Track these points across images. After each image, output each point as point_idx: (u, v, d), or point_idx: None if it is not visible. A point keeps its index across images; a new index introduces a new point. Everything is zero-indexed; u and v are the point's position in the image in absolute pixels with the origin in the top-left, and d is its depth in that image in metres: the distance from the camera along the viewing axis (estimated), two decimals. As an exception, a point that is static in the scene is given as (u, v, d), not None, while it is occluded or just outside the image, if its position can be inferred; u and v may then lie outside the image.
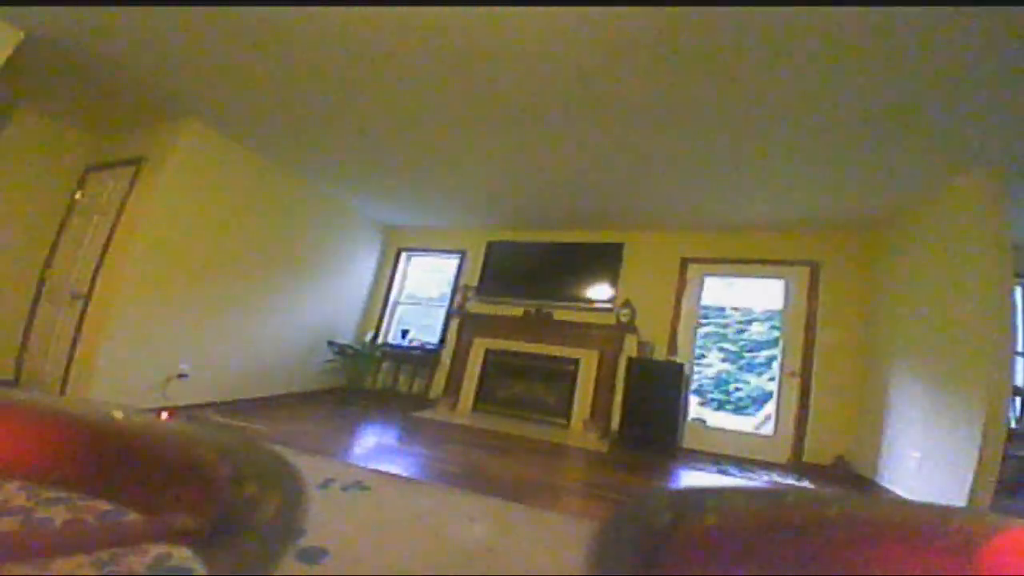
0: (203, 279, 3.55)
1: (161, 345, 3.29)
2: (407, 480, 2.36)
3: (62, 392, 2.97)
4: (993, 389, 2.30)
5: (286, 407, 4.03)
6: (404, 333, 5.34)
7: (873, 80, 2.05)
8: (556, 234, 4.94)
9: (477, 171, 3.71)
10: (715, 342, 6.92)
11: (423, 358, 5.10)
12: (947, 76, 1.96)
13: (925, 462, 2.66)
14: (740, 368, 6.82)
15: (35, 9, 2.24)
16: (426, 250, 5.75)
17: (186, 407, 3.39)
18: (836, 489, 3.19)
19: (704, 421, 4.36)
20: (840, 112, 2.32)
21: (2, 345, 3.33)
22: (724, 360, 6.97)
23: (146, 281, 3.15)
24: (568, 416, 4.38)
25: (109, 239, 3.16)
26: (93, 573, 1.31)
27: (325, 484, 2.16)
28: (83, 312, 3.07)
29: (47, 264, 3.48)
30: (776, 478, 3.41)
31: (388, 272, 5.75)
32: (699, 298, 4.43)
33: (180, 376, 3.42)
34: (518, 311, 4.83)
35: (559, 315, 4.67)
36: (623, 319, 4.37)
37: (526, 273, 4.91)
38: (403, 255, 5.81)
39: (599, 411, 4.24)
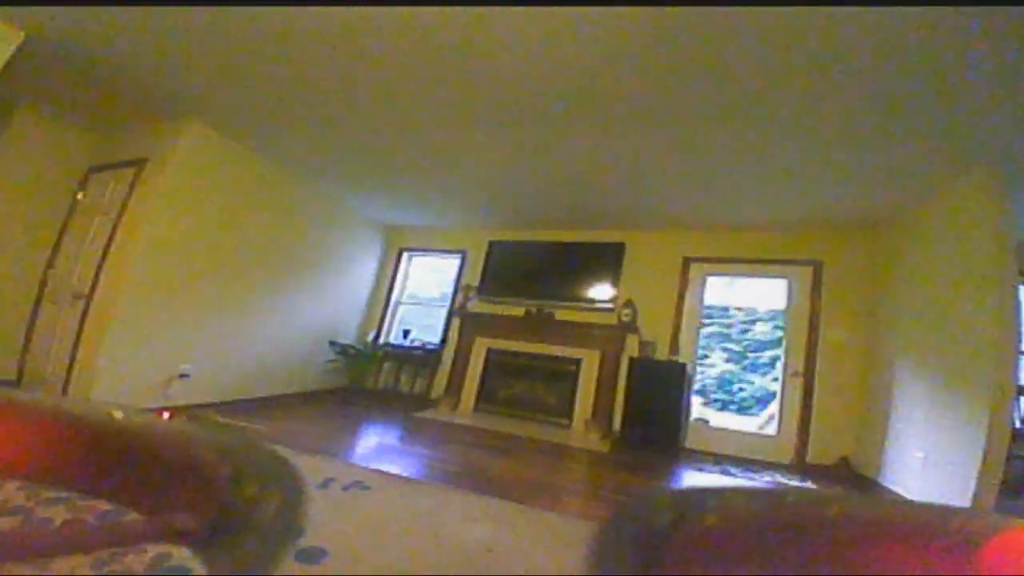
0: (205, 279, 3.56)
1: (162, 345, 3.29)
2: (408, 480, 2.36)
3: (64, 392, 2.98)
4: (997, 389, 2.28)
5: (288, 407, 4.03)
6: (406, 333, 5.34)
7: (874, 79, 2.04)
8: (557, 234, 4.94)
9: (478, 171, 3.70)
10: (718, 342, 6.90)
11: (424, 358, 5.10)
12: (948, 75, 1.95)
13: (929, 463, 2.64)
14: (744, 368, 6.80)
15: (36, 10, 2.25)
16: (427, 250, 5.75)
17: (187, 407, 3.40)
18: (838, 489, 3.17)
19: (707, 421, 4.35)
20: (841, 111, 2.30)
21: (5, 345, 3.34)
22: (728, 360, 6.94)
23: (147, 281, 3.16)
24: (570, 416, 4.37)
25: (111, 239, 3.17)
26: (92, 573, 1.32)
27: (325, 484, 2.15)
28: (85, 312, 3.07)
29: (49, 264, 3.49)
30: (779, 479, 3.39)
31: (389, 272, 5.75)
32: (701, 298, 4.42)
33: (181, 376, 3.42)
34: (519, 311, 4.82)
35: (560, 315, 4.66)
36: (625, 319, 4.36)
37: (527, 273, 4.90)
38: (404, 255, 5.81)
39: (601, 411, 4.23)
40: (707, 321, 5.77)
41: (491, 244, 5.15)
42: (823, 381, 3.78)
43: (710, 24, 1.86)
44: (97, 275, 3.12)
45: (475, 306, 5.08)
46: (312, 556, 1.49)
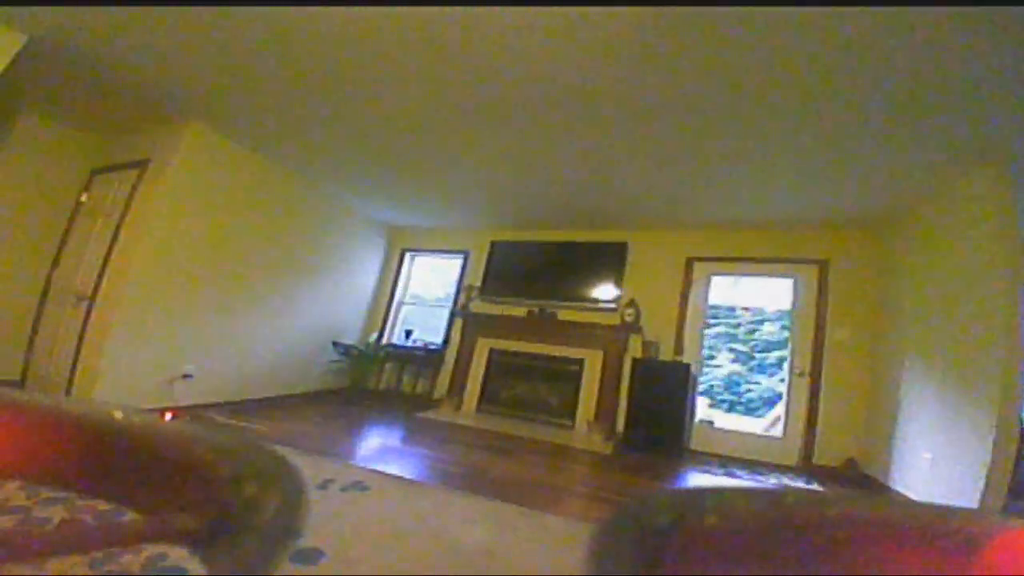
0: (207, 280, 3.57)
1: (165, 346, 3.30)
2: (408, 481, 2.34)
3: (67, 392, 3.00)
4: (1006, 389, 2.24)
5: (290, 407, 4.03)
6: (408, 333, 5.34)
7: (878, 77, 2.01)
8: (559, 233, 4.91)
9: (479, 170, 3.69)
10: (725, 343, 6.84)
11: (427, 358, 5.10)
12: (953, 72, 1.92)
13: (936, 464, 2.60)
14: (751, 369, 6.74)
15: (38, 13, 2.26)
16: (430, 250, 5.75)
17: (190, 407, 3.41)
18: (841, 491, 3.12)
19: (711, 423, 4.30)
20: (846, 109, 2.27)
21: (9, 346, 3.36)
22: (734, 361, 6.89)
23: (150, 282, 3.17)
24: (572, 417, 4.34)
25: (114, 241, 3.18)
26: (88, 572, 1.31)
27: (324, 484, 2.14)
28: (88, 313, 3.09)
29: (53, 266, 3.52)
30: (785, 481, 3.34)
31: (392, 272, 5.75)
32: (706, 298, 4.37)
33: (184, 376, 3.43)
34: (522, 311, 4.80)
35: (563, 315, 4.63)
36: (628, 319, 4.32)
37: (530, 273, 4.87)
38: (407, 255, 5.81)
39: (604, 412, 4.20)
40: (713, 321, 5.72)
41: (493, 244, 5.14)
42: (829, 381, 3.73)
43: (711, 23, 1.84)
44: (100, 276, 3.14)
45: (477, 306, 5.06)
46: (308, 557, 1.48)
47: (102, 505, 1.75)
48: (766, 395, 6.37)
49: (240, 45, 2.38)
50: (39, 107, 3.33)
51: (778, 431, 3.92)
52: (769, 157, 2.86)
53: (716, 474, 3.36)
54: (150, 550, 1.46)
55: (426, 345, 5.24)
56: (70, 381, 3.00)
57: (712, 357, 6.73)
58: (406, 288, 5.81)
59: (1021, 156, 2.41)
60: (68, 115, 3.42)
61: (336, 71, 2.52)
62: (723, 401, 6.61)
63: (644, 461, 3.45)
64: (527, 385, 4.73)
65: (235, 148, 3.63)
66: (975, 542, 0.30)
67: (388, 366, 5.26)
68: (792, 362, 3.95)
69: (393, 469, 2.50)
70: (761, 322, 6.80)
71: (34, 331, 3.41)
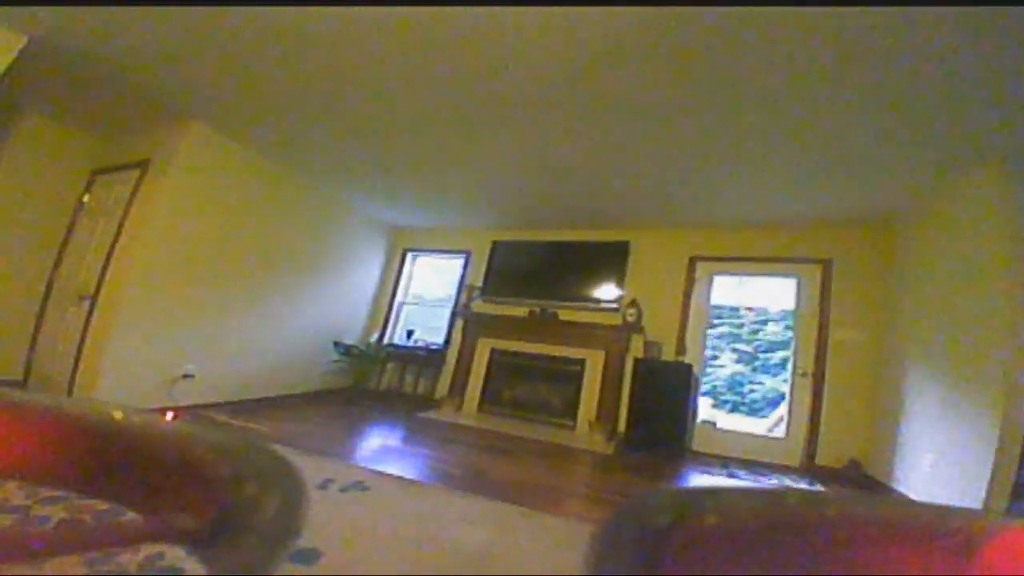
0: (208, 280, 3.57)
1: (167, 346, 3.31)
2: (408, 481, 2.33)
3: (69, 392, 3.00)
4: (1009, 389, 2.21)
5: (292, 407, 4.03)
6: (409, 333, 5.33)
7: (880, 75, 2.00)
8: (560, 233, 4.90)
9: (480, 170, 3.68)
10: (729, 343, 6.81)
11: (428, 358, 5.09)
12: (955, 71, 1.91)
13: (939, 465, 2.57)
14: (754, 369, 6.71)
15: (37, 14, 2.26)
16: (431, 250, 5.75)
17: (192, 407, 3.41)
18: (840, 490, 3.09)
19: (714, 423, 4.27)
20: (846, 108, 2.26)
21: (12, 346, 3.38)
22: (738, 361, 6.86)
23: (151, 282, 3.17)
24: (574, 417, 4.33)
25: (115, 241, 3.19)
26: (85, 572, 1.31)
27: (324, 485, 2.14)
28: (89, 313, 3.10)
29: (55, 266, 3.53)
30: (787, 482, 3.31)
31: (394, 273, 5.75)
32: (708, 297, 4.35)
33: (186, 376, 3.44)
34: (523, 311, 4.78)
35: (564, 315, 4.61)
36: (629, 319, 4.30)
37: (531, 273, 4.86)
38: (408, 256, 5.81)
39: (605, 412, 4.18)
40: (717, 321, 5.69)
41: (494, 244, 5.13)
42: (833, 382, 3.70)
43: (712, 22, 1.84)
44: (102, 276, 3.14)
45: (479, 306, 5.05)
46: (306, 557, 1.47)
47: (101, 505, 1.75)
48: (770, 396, 6.34)
49: (240, 45, 2.38)
50: (41, 108, 3.34)
51: (781, 432, 3.89)
52: (770, 156, 2.85)
53: (717, 475, 3.34)
54: (147, 550, 1.45)
55: (427, 345, 5.23)
56: (72, 381, 3.01)
57: (715, 357, 6.70)
58: (407, 288, 5.81)
59: (1024, 153, 2.39)
60: (70, 116, 3.43)
61: (336, 71, 2.51)
62: (726, 402, 6.58)
63: (645, 462, 3.43)
64: (528, 385, 4.71)
65: (236, 148, 3.64)
66: (975, 542, 0.30)
67: (389, 366, 5.26)
68: (795, 362, 3.92)
69: (393, 469, 2.49)
70: (765, 322, 6.77)
71: (36, 331, 3.43)
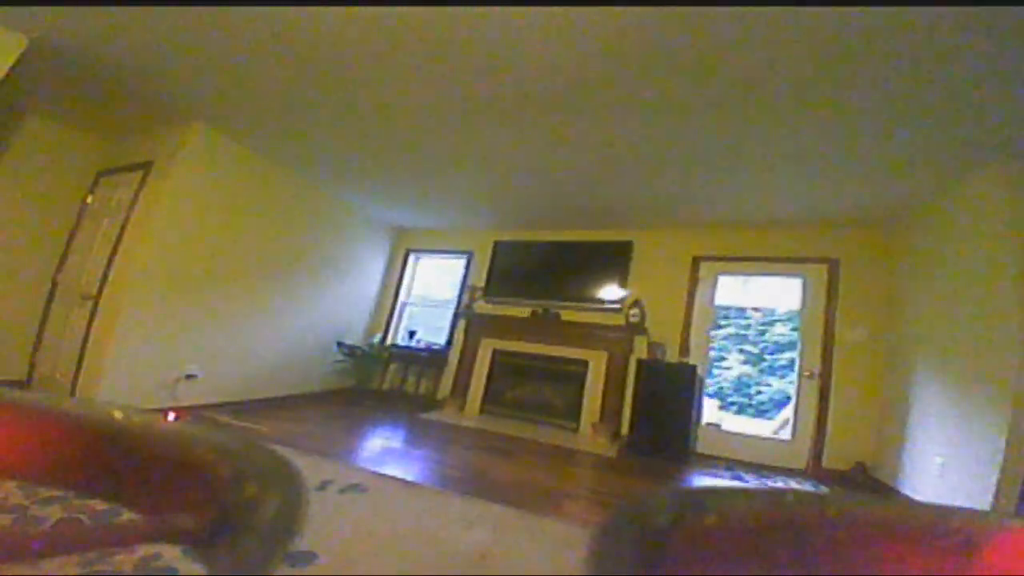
0: (211, 281, 3.58)
1: (169, 346, 3.32)
2: (407, 483, 2.31)
3: (72, 393, 3.01)
4: (1019, 390, 2.17)
5: (294, 408, 4.03)
6: (412, 334, 5.32)
7: (884, 73, 1.97)
8: (563, 233, 4.87)
9: (482, 170, 3.66)
10: (736, 344, 6.75)
11: (430, 359, 5.08)
12: (957, 70, 1.89)
13: (948, 467, 2.53)
14: (761, 371, 6.65)
15: (38, 15, 2.27)
16: (433, 251, 5.74)
17: (194, 408, 3.41)
18: (840, 490, 3.04)
19: (719, 425, 4.22)
20: (849, 107, 2.23)
21: (16, 346, 3.40)
22: (745, 362, 6.80)
23: (154, 283, 3.18)
24: (577, 419, 4.29)
25: (118, 242, 3.20)
26: (81, 572, 1.30)
27: (322, 486, 2.12)
28: (92, 314, 3.11)
29: (59, 267, 3.55)
30: (793, 485, 3.26)
31: (396, 273, 5.75)
32: (712, 298, 4.30)
33: (188, 377, 3.44)
34: (525, 312, 4.76)
35: (567, 316, 4.59)
36: (633, 320, 4.26)
37: (533, 273, 4.84)
38: (411, 256, 5.81)
39: (608, 414, 4.14)
40: (723, 322, 5.63)
41: (496, 244, 5.11)
42: (839, 383, 3.64)
43: (712, 22, 1.82)
44: (104, 277, 3.16)
45: (481, 307, 5.03)
46: (301, 559, 1.45)
47: (99, 505, 1.75)
48: (777, 397, 6.28)
49: (241, 45, 2.38)
50: (44, 110, 3.37)
51: (787, 434, 3.84)
52: (772, 156, 2.82)
53: (722, 478, 3.29)
54: (144, 550, 1.44)
55: (430, 346, 5.22)
56: (74, 381, 3.02)
57: (722, 359, 6.65)
58: (410, 289, 5.81)
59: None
60: (73, 118, 3.46)
61: (337, 71, 2.51)
62: (733, 403, 6.53)
63: (649, 465, 3.39)
64: (531, 386, 4.69)
65: (238, 149, 3.65)
66: (975, 542, 0.30)
67: (392, 367, 5.25)
68: (801, 363, 3.87)
69: (393, 471, 2.47)
70: (771, 323, 6.71)
71: (40, 332, 3.45)
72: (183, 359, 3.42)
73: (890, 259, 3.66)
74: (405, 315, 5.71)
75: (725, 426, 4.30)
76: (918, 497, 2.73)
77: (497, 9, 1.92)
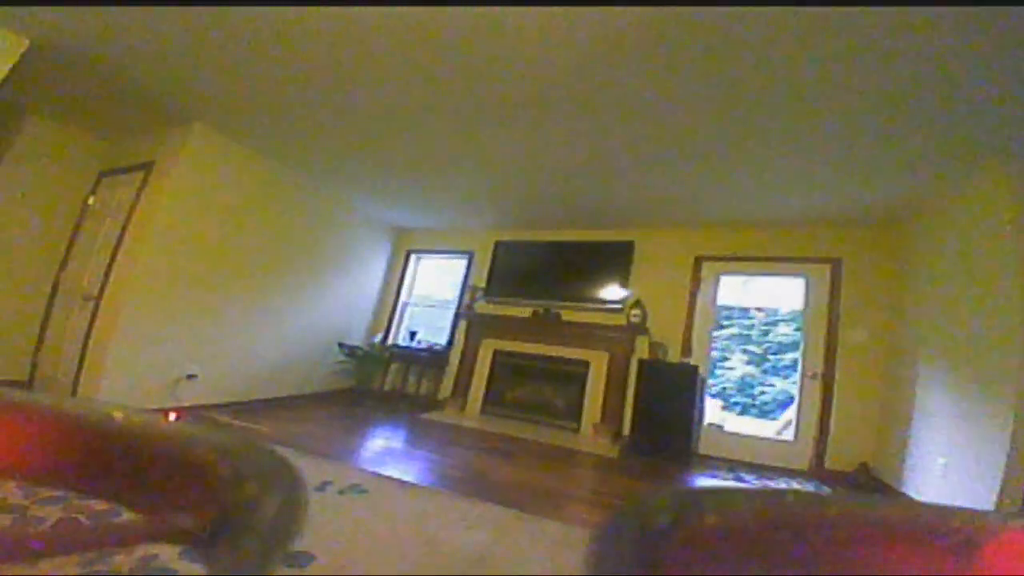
0: (212, 281, 3.58)
1: (170, 346, 3.32)
2: (406, 484, 2.31)
3: (74, 393, 3.02)
4: (1023, 391, 2.13)
5: (295, 408, 4.03)
6: (412, 334, 5.32)
7: (885, 72, 1.96)
8: (564, 233, 4.86)
9: (482, 170, 3.66)
10: (739, 344, 6.72)
11: (431, 360, 5.07)
12: (960, 69, 1.87)
13: (951, 469, 2.51)
14: (765, 371, 6.62)
15: (39, 17, 2.28)
16: (434, 251, 5.74)
17: (195, 408, 3.41)
18: (841, 491, 3.02)
19: (721, 426, 4.20)
20: (850, 106, 2.22)
21: (18, 347, 3.41)
22: (748, 363, 6.77)
23: (155, 283, 3.19)
24: (578, 419, 4.28)
25: (119, 242, 3.21)
26: (79, 572, 1.30)
27: (322, 487, 2.12)
28: (94, 314, 3.11)
29: (61, 267, 3.56)
30: (795, 486, 3.23)
31: (397, 274, 5.75)
32: (715, 298, 4.28)
33: (189, 377, 3.44)
34: (526, 312, 4.74)
35: (568, 316, 4.57)
36: (634, 320, 4.25)
37: (534, 273, 4.83)
38: (412, 257, 5.81)
39: (610, 415, 4.12)
40: (726, 323, 5.60)
41: (497, 244, 5.11)
42: (843, 384, 3.62)
43: (713, 22, 1.82)
44: (106, 277, 3.16)
45: (482, 307, 5.02)
46: (298, 560, 1.44)
47: (98, 505, 1.75)
48: (780, 397, 6.25)
49: (241, 45, 2.38)
50: (46, 111, 3.38)
51: (790, 435, 3.81)
52: (773, 155, 2.80)
53: (724, 479, 3.27)
54: (142, 551, 1.44)
55: (431, 346, 5.21)
56: (76, 381, 3.03)
57: (725, 359, 6.62)
58: (411, 289, 5.80)
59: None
60: (74, 119, 3.47)
61: (338, 71, 2.51)
62: (737, 403, 6.50)
63: (650, 465, 3.37)
64: (532, 387, 4.67)
65: (239, 149, 3.65)
66: (975, 542, 0.30)
67: (393, 367, 5.24)
68: (804, 364, 3.84)
69: (393, 472, 2.47)
70: (775, 323, 6.68)
71: (42, 332, 3.45)
72: (184, 359, 3.42)
73: (893, 259, 3.63)
74: (406, 315, 5.70)
75: (727, 427, 4.28)
76: (921, 498, 2.70)
77: (496, 9, 1.91)
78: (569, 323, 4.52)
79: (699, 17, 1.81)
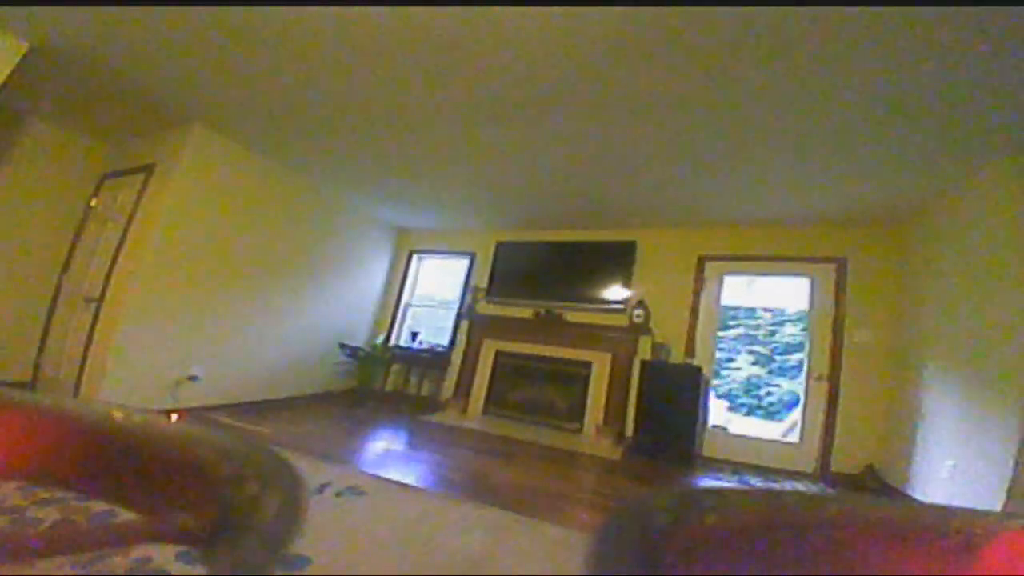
0: (213, 282, 3.58)
1: (171, 348, 3.32)
2: (405, 487, 2.29)
3: (76, 394, 3.02)
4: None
5: (296, 409, 4.02)
6: (414, 335, 5.31)
7: (889, 71, 1.94)
8: (566, 233, 4.84)
9: (483, 171, 3.65)
10: (745, 344, 6.67)
11: (433, 360, 5.06)
12: (963, 67, 1.85)
13: (958, 471, 2.47)
14: (771, 372, 6.57)
15: (38, 19, 2.28)
16: (436, 252, 5.73)
17: (196, 409, 3.41)
18: (841, 491, 2.98)
19: (725, 428, 4.16)
20: (853, 105, 2.20)
21: (21, 348, 3.42)
22: (754, 363, 6.71)
23: (157, 284, 3.19)
24: (581, 421, 4.25)
25: (121, 244, 3.22)
26: (75, 573, 1.29)
27: (320, 489, 2.10)
28: (96, 315, 3.12)
29: (64, 270, 3.57)
30: (800, 489, 3.20)
31: (399, 274, 5.75)
32: (718, 298, 4.24)
33: (191, 378, 3.44)
34: (528, 312, 4.73)
35: (570, 316, 4.55)
36: (637, 320, 4.22)
37: (536, 274, 4.81)
38: (414, 257, 5.81)
39: (612, 416, 4.09)
40: (732, 323, 5.56)
41: (498, 245, 5.09)
42: (848, 385, 3.57)
43: (720, 19, 1.80)
44: (108, 279, 3.17)
45: (483, 308, 5.01)
46: (293, 562, 1.43)
47: (98, 506, 1.74)
48: (786, 399, 6.19)
49: (241, 46, 2.38)
50: (46, 114, 3.40)
51: (795, 437, 3.77)
52: (775, 155, 2.79)
53: (728, 482, 3.23)
54: (138, 552, 1.43)
55: (432, 347, 5.20)
56: (78, 383, 3.03)
57: (731, 360, 6.57)
58: (413, 290, 5.80)
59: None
60: (75, 121, 3.49)
61: (338, 71, 2.50)
62: (743, 405, 6.45)
63: (653, 468, 3.34)
64: (534, 388, 4.65)
65: (239, 150, 3.66)
66: (975, 542, 0.30)
67: (395, 368, 5.23)
68: (809, 365, 3.80)
69: (392, 474, 2.45)
70: (782, 323, 6.62)
71: (44, 334, 3.47)
72: (185, 361, 3.42)
73: (898, 259, 3.59)
74: (408, 316, 5.70)
75: (733, 428, 4.23)
76: (928, 501, 2.67)
77: (498, 9, 1.90)
78: (571, 324, 4.50)
79: (699, 17, 1.80)
